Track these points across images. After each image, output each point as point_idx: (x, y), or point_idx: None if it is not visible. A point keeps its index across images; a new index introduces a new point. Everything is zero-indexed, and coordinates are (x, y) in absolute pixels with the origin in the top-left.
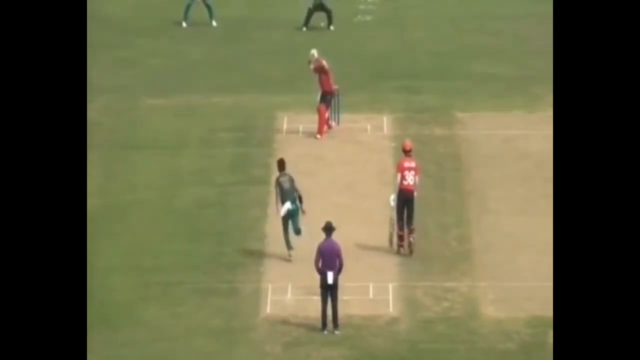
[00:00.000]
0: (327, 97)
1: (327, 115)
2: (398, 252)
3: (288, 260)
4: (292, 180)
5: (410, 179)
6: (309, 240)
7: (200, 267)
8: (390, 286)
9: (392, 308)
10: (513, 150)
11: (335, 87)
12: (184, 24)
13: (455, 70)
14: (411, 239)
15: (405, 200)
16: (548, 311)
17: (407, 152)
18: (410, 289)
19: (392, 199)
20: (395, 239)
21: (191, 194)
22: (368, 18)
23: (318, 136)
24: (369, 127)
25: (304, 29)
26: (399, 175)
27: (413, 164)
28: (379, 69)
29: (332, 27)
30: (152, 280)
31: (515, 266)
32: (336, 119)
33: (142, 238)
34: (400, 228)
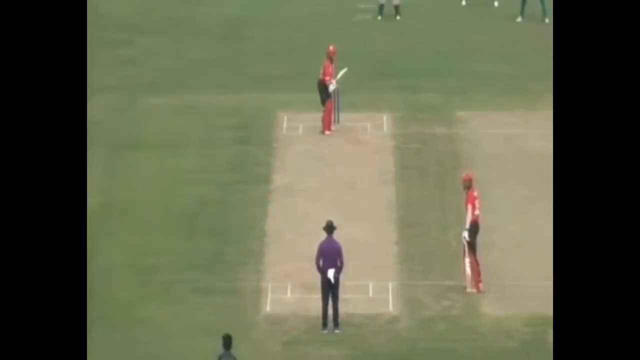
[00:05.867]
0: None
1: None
2: (477, 289)
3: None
4: None
5: (478, 207)
6: (310, 239)
7: (201, 266)
8: (391, 285)
9: (392, 307)
10: (513, 149)
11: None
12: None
13: (455, 69)
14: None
15: (477, 230)
16: (548, 310)
17: (471, 183)
18: (410, 287)
19: (465, 235)
20: (469, 275)
21: (191, 192)
22: (368, 17)
23: (327, 132)
24: (369, 126)
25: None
26: (470, 207)
27: (476, 193)
28: (379, 68)
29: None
30: (152, 279)
31: (515, 265)
32: (336, 118)
33: (142, 237)
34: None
